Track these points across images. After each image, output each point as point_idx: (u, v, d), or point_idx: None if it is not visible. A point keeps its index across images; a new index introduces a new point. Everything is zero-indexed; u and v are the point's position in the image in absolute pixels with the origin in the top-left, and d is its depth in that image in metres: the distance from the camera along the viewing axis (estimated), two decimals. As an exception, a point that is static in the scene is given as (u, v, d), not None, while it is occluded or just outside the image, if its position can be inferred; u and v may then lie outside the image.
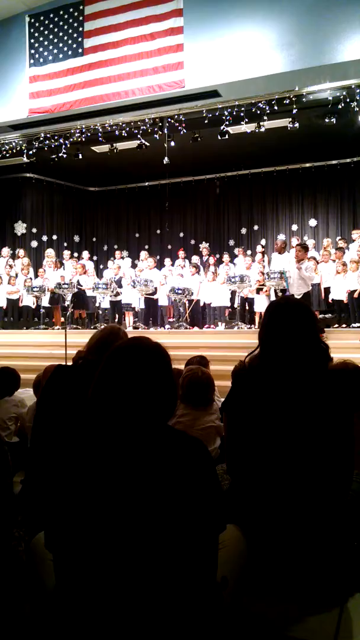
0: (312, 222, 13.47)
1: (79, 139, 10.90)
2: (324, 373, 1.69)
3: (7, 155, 11.54)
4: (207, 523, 1.23)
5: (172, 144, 10.46)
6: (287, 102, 9.13)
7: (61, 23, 9.78)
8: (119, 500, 1.18)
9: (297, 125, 9.54)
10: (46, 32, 9.92)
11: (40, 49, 9.98)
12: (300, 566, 1.55)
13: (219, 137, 10.03)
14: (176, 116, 9.92)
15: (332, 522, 1.59)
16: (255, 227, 14.13)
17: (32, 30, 10.03)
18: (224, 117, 9.62)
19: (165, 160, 10.53)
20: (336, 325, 9.38)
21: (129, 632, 1.14)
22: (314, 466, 1.58)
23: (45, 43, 9.93)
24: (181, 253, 12.15)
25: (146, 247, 14.20)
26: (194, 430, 2.96)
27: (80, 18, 9.61)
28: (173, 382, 1.34)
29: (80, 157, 11.45)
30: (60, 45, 9.80)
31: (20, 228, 14.29)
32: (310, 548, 1.55)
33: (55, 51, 9.85)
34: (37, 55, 10.02)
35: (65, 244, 14.93)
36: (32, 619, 1.61)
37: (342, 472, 1.62)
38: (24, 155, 11.46)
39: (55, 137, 11.02)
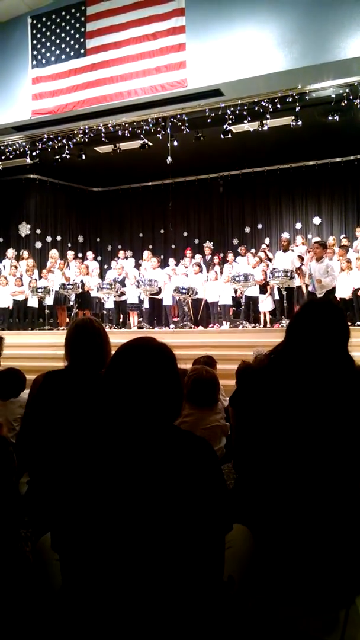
0: (316, 220, 13.44)
1: (82, 140, 10.91)
2: (347, 377, 1.68)
3: (11, 156, 11.57)
4: (213, 523, 1.23)
5: (175, 143, 10.46)
6: (290, 100, 9.11)
7: (63, 24, 9.80)
8: (125, 500, 1.18)
9: (300, 123, 9.50)
10: (48, 33, 9.93)
11: (43, 50, 9.99)
12: (308, 565, 1.54)
13: (222, 136, 10.02)
14: (179, 116, 9.91)
15: (340, 521, 1.58)
16: (259, 226, 14.11)
17: (34, 31, 10.05)
18: (226, 116, 9.60)
19: (169, 160, 10.53)
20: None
21: (135, 632, 1.14)
22: (324, 465, 1.57)
23: (48, 44, 9.95)
24: (189, 252, 12.14)
25: (150, 247, 14.20)
26: (199, 429, 2.96)
27: (82, 19, 9.62)
28: (179, 382, 1.33)
29: (84, 157, 11.48)
30: (63, 46, 9.81)
31: (24, 229, 14.32)
32: (318, 547, 1.55)
33: (57, 52, 9.87)
34: (39, 57, 10.04)
35: (69, 245, 14.96)
36: (39, 619, 1.61)
37: (352, 472, 1.61)
38: (28, 157, 11.48)
39: (59, 138, 11.04)
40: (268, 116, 9.49)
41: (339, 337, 1.70)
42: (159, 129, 10.30)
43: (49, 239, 14.66)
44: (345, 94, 8.91)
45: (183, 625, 1.16)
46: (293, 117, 9.50)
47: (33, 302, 11.40)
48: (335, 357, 1.67)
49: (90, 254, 13.16)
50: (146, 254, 11.85)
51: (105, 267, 13.66)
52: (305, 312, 1.79)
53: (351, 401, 1.63)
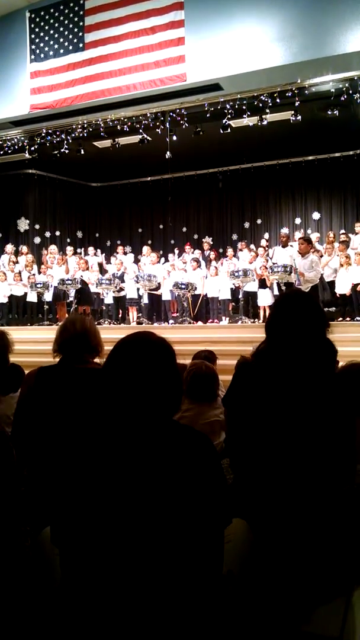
0: (316, 216, 13.42)
1: (81, 135, 10.88)
2: (330, 367, 1.69)
3: (9, 151, 11.53)
4: (212, 517, 1.23)
5: (174, 138, 10.42)
6: (290, 94, 9.07)
7: (62, 18, 9.74)
8: (124, 494, 1.18)
9: (299, 118, 9.47)
10: (47, 27, 9.88)
11: (41, 45, 9.94)
12: (306, 557, 1.55)
13: (221, 131, 9.99)
14: (178, 110, 9.87)
15: (335, 513, 1.59)
16: (259, 221, 14.09)
17: (32, 25, 10.00)
18: (226, 111, 9.57)
19: (168, 154, 10.49)
20: (340, 319, 9.35)
21: (135, 626, 1.15)
22: (316, 459, 1.58)
23: (46, 38, 9.89)
24: (188, 248, 12.11)
25: (149, 242, 14.18)
26: (198, 424, 2.96)
27: (81, 12, 9.57)
28: (178, 376, 1.33)
29: (82, 152, 11.42)
30: (61, 40, 9.76)
31: (23, 224, 14.30)
32: (315, 540, 1.55)
33: (56, 46, 9.81)
34: (38, 51, 9.99)
35: (68, 240, 14.93)
36: (39, 614, 1.62)
37: (344, 465, 1.61)
38: (26, 152, 11.44)
39: (57, 133, 11.00)
40: (267, 111, 9.46)
41: (316, 324, 1.70)
42: (158, 123, 10.26)
43: (47, 234, 14.63)
44: (345, 89, 8.88)
45: (183, 619, 1.16)
46: (292, 112, 9.46)
47: (32, 298, 11.39)
48: (315, 346, 1.67)
49: (91, 250, 13.15)
50: (145, 249, 11.84)
51: (104, 262, 13.64)
52: (279, 307, 1.79)
53: (334, 392, 1.63)
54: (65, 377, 2.29)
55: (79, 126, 10.68)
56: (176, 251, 12.14)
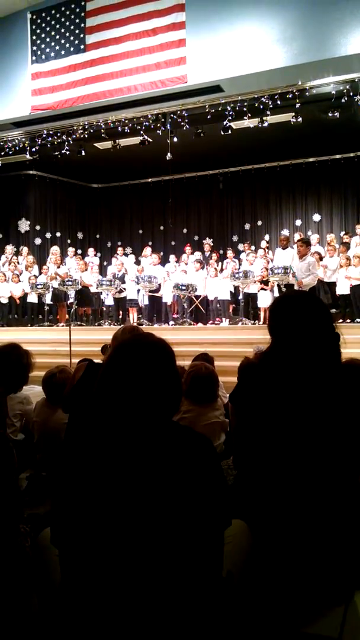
0: (316, 217, 13.42)
1: (82, 136, 10.89)
2: (335, 365, 1.67)
3: (10, 152, 11.53)
4: (212, 518, 1.23)
5: (175, 139, 10.43)
6: (290, 96, 9.07)
7: (63, 19, 9.76)
8: (124, 495, 1.18)
9: (300, 119, 9.49)
10: (48, 29, 9.89)
11: (42, 46, 9.95)
12: (306, 561, 1.54)
13: (222, 133, 10.00)
14: (179, 112, 9.88)
15: (338, 517, 1.58)
16: (259, 223, 14.09)
17: (34, 27, 10.01)
18: (226, 112, 9.58)
19: (168, 156, 10.49)
20: (340, 321, 9.34)
21: (135, 627, 1.14)
22: (321, 461, 1.57)
23: (47, 40, 9.91)
24: (188, 249, 12.11)
25: (150, 243, 14.18)
26: (198, 426, 2.96)
27: (82, 14, 9.58)
28: (178, 377, 1.33)
29: (83, 153, 11.44)
30: (62, 41, 9.78)
31: (23, 225, 14.29)
32: (317, 543, 1.55)
33: (57, 48, 9.83)
34: (39, 52, 10.00)
35: (68, 241, 14.93)
36: (39, 615, 1.62)
37: (348, 468, 1.61)
38: (27, 153, 11.45)
39: (58, 134, 11.01)
40: (268, 112, 9.46)
41: (316, 320, 1.68)
42: (158, 125, 10.27)
43: (48, 235, 14.63)
44: (345, 91, 8.88)
45: (182, 620, 1.16)
46: (293, 114, 9.48)
47: (32, 298, 11.40)
48: (321, 345, 1.66)
49: (91, 251, 13.13)
50: (148, 250, 11.83)
51: (105, 263, 13.64)
52: (278, 309, 1.78)
53: (342, 394, 1.62)
54: None
55: (80, 127, 10.69)
56: (172, 258, 12.04)
